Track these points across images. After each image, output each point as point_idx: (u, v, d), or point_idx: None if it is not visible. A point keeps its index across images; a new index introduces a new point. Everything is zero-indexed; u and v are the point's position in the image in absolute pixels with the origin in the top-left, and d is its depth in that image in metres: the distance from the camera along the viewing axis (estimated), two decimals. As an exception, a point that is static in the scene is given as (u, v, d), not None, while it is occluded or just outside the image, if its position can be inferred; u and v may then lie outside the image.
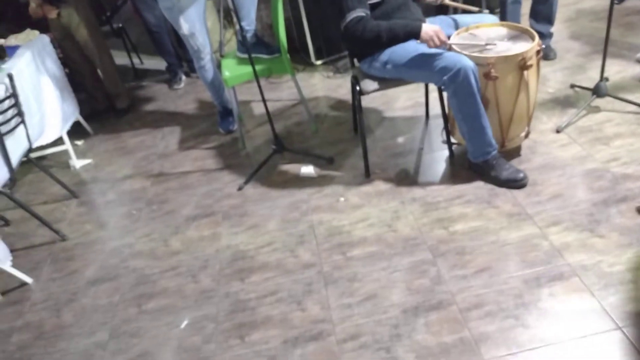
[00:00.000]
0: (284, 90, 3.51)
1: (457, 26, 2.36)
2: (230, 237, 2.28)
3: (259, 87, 2.52)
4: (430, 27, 2.09)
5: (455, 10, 3.18)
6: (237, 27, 2.73)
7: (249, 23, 2.80)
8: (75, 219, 2.68)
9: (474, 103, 2.07)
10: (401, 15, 2.23)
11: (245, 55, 2.84)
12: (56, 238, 2.52)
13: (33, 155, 2.73)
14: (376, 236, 2.08)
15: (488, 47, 2.15)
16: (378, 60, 2.24)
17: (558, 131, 2.45)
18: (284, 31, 2.76)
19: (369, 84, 2.33)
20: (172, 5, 2.69)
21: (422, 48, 2.17)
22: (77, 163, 3.17)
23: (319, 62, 3.79)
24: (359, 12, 2.11)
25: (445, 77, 2.05)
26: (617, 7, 3.56)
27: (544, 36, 3.07)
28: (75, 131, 3.37)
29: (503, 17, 2.99)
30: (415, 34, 2.11)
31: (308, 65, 3.81)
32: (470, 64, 2.02)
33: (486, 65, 2.05)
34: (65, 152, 3.17)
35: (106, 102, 3.78)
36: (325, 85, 3.50)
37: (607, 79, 2.48)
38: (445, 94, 2.26)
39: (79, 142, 3.46)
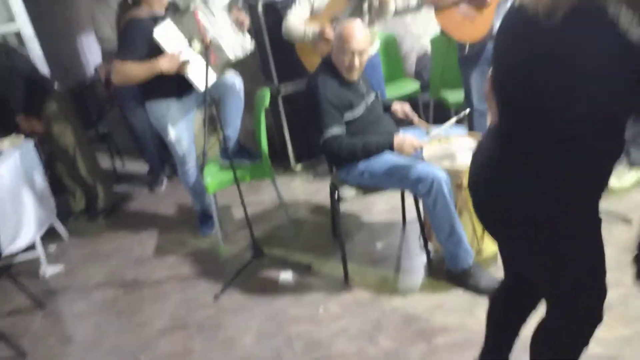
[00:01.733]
0: (264, 194, 3.56)
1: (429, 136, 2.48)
2: (202, 354, 2.16)
3: (240, 193, 2.56)
4: (401, 138, 2.20)
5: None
6: (221, 134, 2.83)
7: (233, 131, 2.91)
8: (39, 332, 2.53)
9: (448, 213, 2.12)
10: (375, 129, 2.35)
11: (228, 162, 2.92)
12: (13, 356, 2.35)
13: (1, 262, 2.64)
14: (357, 350, 2.00)
15: (459, 158, 2.25)
16: (355, 170, 2.31)
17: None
18: (266, 138, 2.87)
19: (347, 191, 2.39)
20: (162, 114, 2.80)
21: (397, 158, 2.27)
22: (47, 270, 3.06)
23: (298, 167, 3.90)
24: (335, 130, 2.22)
25: (420, 187, 2.12)
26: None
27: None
28: (50, 233, 3.30)
29: (471, 129, 3.17)
30: (388, 147, 2.21)
31: (288, 169, 3.91)
32: (443, 175, 2.09)
33: (458, 175, 2.14)
34: (36, 258, 3.08)
35: (85, 204, 3.76)
36: (305, 189, 3.57)
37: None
38: (420, 201, 2.32)
39: (52, 247, 3.38)
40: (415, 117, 2.52)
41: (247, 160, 2.97)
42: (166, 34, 2.59)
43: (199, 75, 2.63)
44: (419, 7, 4.29)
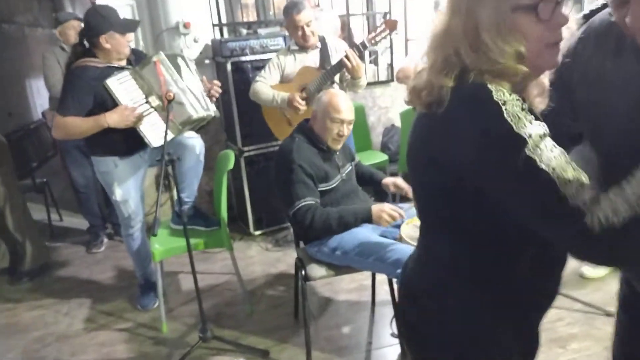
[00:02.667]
0: (217, 262, 3.24)
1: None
2: None
3: (192, 263, 2.25)
4: (379, 206, 2.03)
5: (400, 197, 3.26)
6: (176, 197, 2.56)
7: (190, 195, 2.63)
8: None
9: (429, 299, 1.91)
10: (350, 201, 2.17)
11: (180, 227, 2.60)
12: None
13: None
14: None
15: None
16: (327, 246, 2.09)
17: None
18: (226, 204, 2.60)
19: (316, 270, 2.14)
20: (108, 171, 2.50)
21: (374, 236, 2.07)
22: (-53, 343, 2.55)
23: (257, 233, 3.62)
24: (309, 201, 2.01)
25: (398, 271, 1.90)
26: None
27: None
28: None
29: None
30: (366, 218, 2.02)
31: (246, 235, 3.62)
32: (424, 258, 1.90)
33: (441, 259, 1.94)
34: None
35: (9, 262, 3.27)
36: (264, 258, 3.28)
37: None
38: (395, 283, 2.10)
39: (-40, 314, 2.86)
40: (410, 191, 2.35)
41: (203, 226, 2.68)
42: (121, 85, 2.35)
43: (153, 132, 2.38)
44: (388, 80, 4.34)
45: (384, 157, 3.83)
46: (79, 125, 2.30)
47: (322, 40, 2.91)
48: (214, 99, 2.61)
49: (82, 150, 3.33)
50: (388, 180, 2.41)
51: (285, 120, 3.04)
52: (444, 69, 0.86)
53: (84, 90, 2.31)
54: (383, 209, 2.00)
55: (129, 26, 2.46)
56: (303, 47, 2.94)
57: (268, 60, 3.36)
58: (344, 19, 4.19)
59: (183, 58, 2.56)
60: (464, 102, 0.83)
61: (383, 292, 2.60)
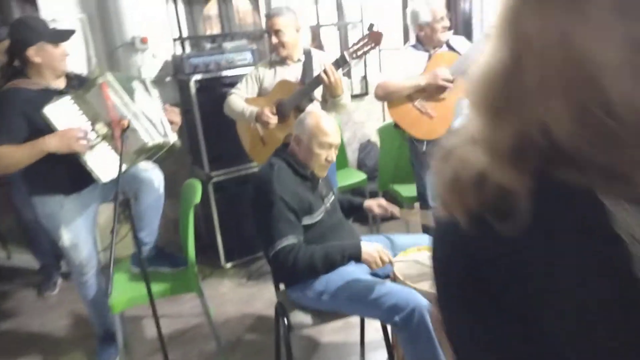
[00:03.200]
0: (186, 303, 2.91)
1: (393, 246, 2.07)
2: None
3: (155, 313, 1.94)
4: (370, 246, 1.78)
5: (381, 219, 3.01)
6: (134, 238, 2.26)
7: (150, 234, 2.32)
8: None
9: (432, 349, 1.66)
10: (337, 235, 1.91)
11: (139, 270, 2.31)
12: None
13: None
14: None
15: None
16: (312, 290, 1.82)
17: None
18: (193, 240, 2.30)
19: (300, 317, 1.87)
20: (53, 212, 2.17)
21: (364, 276, 1.82)
22: None
23: (229, 265, 3.31)
24: (291, 240, 1.75)
25: (396, 318, 1.66)
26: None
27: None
28: None
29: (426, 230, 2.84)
30: (355, 257, 1.77)
31: (216, 268, 3.31)
32: (424, 302, 1.66)
33: (443, 302, 1.71)
34: None
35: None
36: (238, 295, 2.98)
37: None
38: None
39: None
40: (395, 210, 2.12)
41: (168, 267, 2.37)
42: (61, 113, 2.03)
43: (102, 164, 2.07)
44: (362, 94, 4.12)
45: (362, 175, 3.60)
46: (13, 153, 1.97)
47: (307, 53, 2.65)
48: (176, 127, 2.33)
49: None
50: (371, 203, 2.17)
51: (258, 139, 2.78)
52: (514, 156, 0.50)
53: (16, 115, 1.99)
54: (375, 249, 1.75)
55: (61, 35, 2.13)
56: (284, 60, 2.70)
57: (236, 76, 3.12)
58: (314, 30, 3.97)
59: (142, 82, 2.27)
60: (569, 234, 0.47)
61: (372, 330, 2.35)
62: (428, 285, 1.81)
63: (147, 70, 3.23)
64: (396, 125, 2.65)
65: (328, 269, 1.77)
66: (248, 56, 3.19)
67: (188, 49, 3.51)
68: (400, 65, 2.56)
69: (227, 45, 3.26)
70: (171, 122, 2.29)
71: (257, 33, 3.70)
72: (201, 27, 3.60)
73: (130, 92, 2.18)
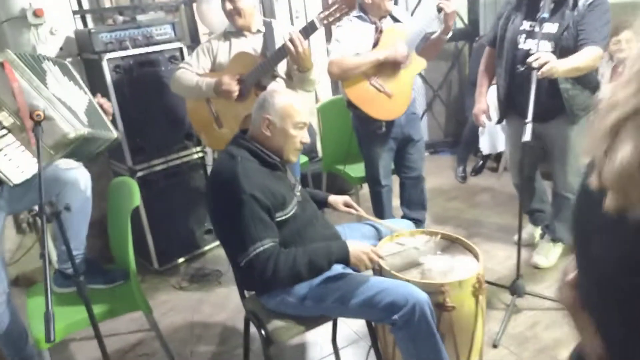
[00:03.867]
0: (121, 317, 2.52)
1: (379, 236, 1.92)
2: None
3: (99, 337, 1.61)
4: (358, 246, 1.60)
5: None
6: (55, 250, 1.87)
7: (78, 245, 1.93)
8: None
9: (435, 345, 1.54)
10: (314, 231, 1.71)
11: (66, 289, 1.94)
12: None
13: None
14: None
15: (428, 264, 1.72)
16: (292, 295, 1.60)
17: (495, 345, 2.06)
18: (132, 247, 1.95)
19: (280, 327, 1.64)
20: None
21: (347, 272, 1.65)
22: None
23: (163, 268, 2.95)
24: (267, 243, 1.51)
25: (395, 317, 1.50)
26: (464, 187, 3.72)
27: (420, 223, 2.87)
28: None
29: (379, 208, 2.73)
30: (341, 259, 1.58)
31: (150, 273, 2.93)
32: (423, 296, 1.52)
33: (439, 293, 1.59)
34: None
35: None
36: (182, 302, 2.65)
37: (521, 276, 2.26)
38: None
39: None
40: (361, 211, 1.95)
41: (101, 284, 2.01)
42: None
43: (11, 162, 1.65)
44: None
45: (303, 158, 3.39)
46: None
47: (268, 24, 2.31)
48: (109, 116, 1.96)
49: None
50: (336, 199, 1.99)
51: (212, 120, 2.44)
52: None
53: None
54: (363, 250, 1.57)
55: None
56: (240, 31, 2.37)
57: (157, 54, 2.73)
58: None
59: (56, 62, 1.86)
60: None
61: (344, 325, 2.20)
62: (419, 275, 1.69)
63: (43, 50, 2.70)
64: (350, 105, 2.46)
65: (313, 276, 1.56)
66: (169, 30, 2.78)
67: (90, 24, 3.01)
68: (348, 39, 2.35)
69: (142, 18, 2.82)
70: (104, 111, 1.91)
71: (172, 5, 3.28)
72: (103, -2, 3.10)
73: (41, 75, 1.76)
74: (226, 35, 2.41)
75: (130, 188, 1.91)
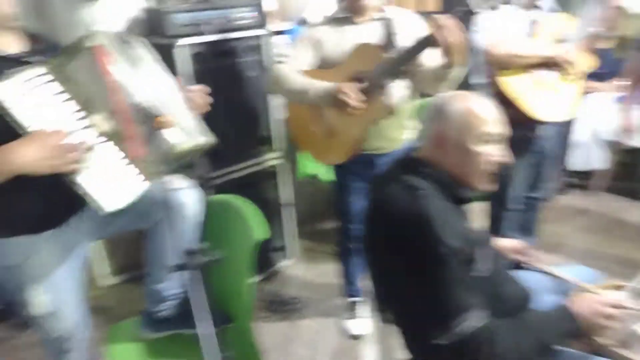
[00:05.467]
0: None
1: (565, 290, 1.50)
2: None
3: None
4: (584, 306, 1.17)
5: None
6: (148, 288, 1.47)
7: (174, 284, 1.51)
8: None
9: None
10: (510, 289, 1.29)
11: (161, 334, 1.53)
12: None
13: None
14: None
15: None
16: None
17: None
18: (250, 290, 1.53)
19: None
20: (17, 262, 1.31)
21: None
22: None
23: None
24: (478, 315, 1.09)
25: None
26: (552, 207, 3.28)
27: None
28: None
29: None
30: (574, 332, 1.16)
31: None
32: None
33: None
34: None
35: None
36: (267, 338, 2.15)
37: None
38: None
39: None
40: (545, 262, 1.53)
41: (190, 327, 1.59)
42: (28, 93, 1.15)
43: (104, 182, 1.23)
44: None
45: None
46: None
47: (386, 11, 1.88)
48: (202, 112, 1.50)
49: None
50: (504, 244, 1.55)
51: (324, 129, 1.95)
52: None
53: None
54: (598, 314, 1.15)
55: None
56: (354, 15, 1.88)
57: (238, 41, 2.30)
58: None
59: (145, 44, 1.42)
60: None
61: None
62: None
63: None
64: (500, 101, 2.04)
65: (543, 358, 1.14)
66: (254, 15, 2.34)
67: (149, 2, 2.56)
68: (497, 27, 1.94)
69: (218, -2, 2.37)
70: (196, 105, 1.46)
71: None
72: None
73: (136, 64, 1.33)
74: (333, 22, 1.94)
75: (245, 213, 1.49)
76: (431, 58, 1.74)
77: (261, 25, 2.37)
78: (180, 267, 1.15)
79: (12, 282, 1.32)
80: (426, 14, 1.91)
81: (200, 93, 1.46)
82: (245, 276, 1.46)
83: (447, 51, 1.62)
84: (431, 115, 1.25)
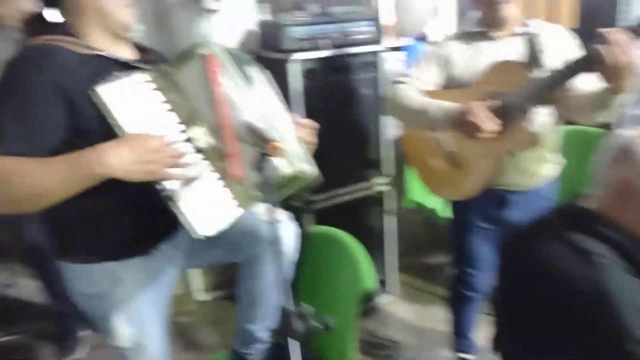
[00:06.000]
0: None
1: None
2: None
3: None
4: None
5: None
6: (238, 328, 1.33)
7: (265, 326, 1.37)
8: None
9: None
10: None
11: None
12: None
13: None
14: None
15: None
16: None
17: None
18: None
19: None
20: (102, 291, 1.21)
21: None
22: None
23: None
24: None
25: None
26: None
27: None
28: None
29: None
30: None
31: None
32: None
33: None
34: None
35: None
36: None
37: None
38: None
39: None
40: None
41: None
42: (130, 101, 1.06)
43: (200, 203, 1.10)
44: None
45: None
46: (34, 174, 0.99)
47: (530, 25, 1.60)
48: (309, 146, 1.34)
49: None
50: None
51: (446, 157, 1.70)
52: None
53: (45, 94, 1.02)
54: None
55: None
56: (492, 29, 1.61)
57: (354, 57, 2.13)
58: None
59: (259, 67, 1.29)
60: None
61: None
62: None
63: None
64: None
65: None
66: (371, 29, 2.17)
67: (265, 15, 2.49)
68: None
69: (337, 10, 2.23)
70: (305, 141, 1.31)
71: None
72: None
73: (248, 82, 1.20)
74: (467, 37, 1.67)
75: (355, 255, 1.29)
76: (586, 81, 1.43)
77: (377, 40, 2.20)
78: (280, 334, 0.98)
79: (98, 311, 1.24)
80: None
81: (309, 130, 1.30)
82: (349, 329, 1.25)
83: (616, 73, 1.29)
84: (612, 156, 0.96)
